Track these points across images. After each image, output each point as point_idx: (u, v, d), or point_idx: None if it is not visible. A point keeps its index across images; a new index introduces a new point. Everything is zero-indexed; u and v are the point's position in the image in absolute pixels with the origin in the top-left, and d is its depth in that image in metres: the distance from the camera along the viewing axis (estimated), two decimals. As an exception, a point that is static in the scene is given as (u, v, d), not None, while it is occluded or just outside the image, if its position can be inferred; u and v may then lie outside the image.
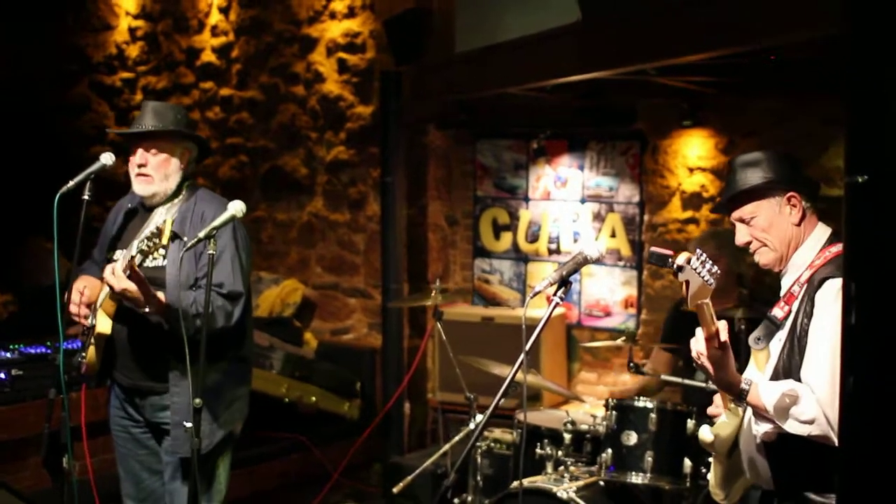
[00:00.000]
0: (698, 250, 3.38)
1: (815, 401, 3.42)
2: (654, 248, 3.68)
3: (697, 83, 6.95)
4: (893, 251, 2.55)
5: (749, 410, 3.69)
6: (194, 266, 4.66)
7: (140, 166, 4.80)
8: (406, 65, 8.24)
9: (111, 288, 4.40)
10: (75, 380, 4.97)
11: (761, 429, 3.61)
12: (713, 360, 3.51)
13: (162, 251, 4.48)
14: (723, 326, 3.46)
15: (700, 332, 3.51)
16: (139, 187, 4.83)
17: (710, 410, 3.95)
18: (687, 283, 3.34)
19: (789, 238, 3.79)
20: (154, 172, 4.80)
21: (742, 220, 3.87)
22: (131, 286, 4.31)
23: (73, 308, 4.73)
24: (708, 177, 7.55)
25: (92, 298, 4.74)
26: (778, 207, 3.79)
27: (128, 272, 4.29)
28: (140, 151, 4.82)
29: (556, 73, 6.70)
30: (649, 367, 6.56)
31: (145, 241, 4.25)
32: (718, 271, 3.35)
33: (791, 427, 3.46)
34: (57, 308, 4.66)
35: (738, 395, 3.58)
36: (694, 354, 3.58)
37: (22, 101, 10.40)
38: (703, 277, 3.29)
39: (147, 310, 4.45)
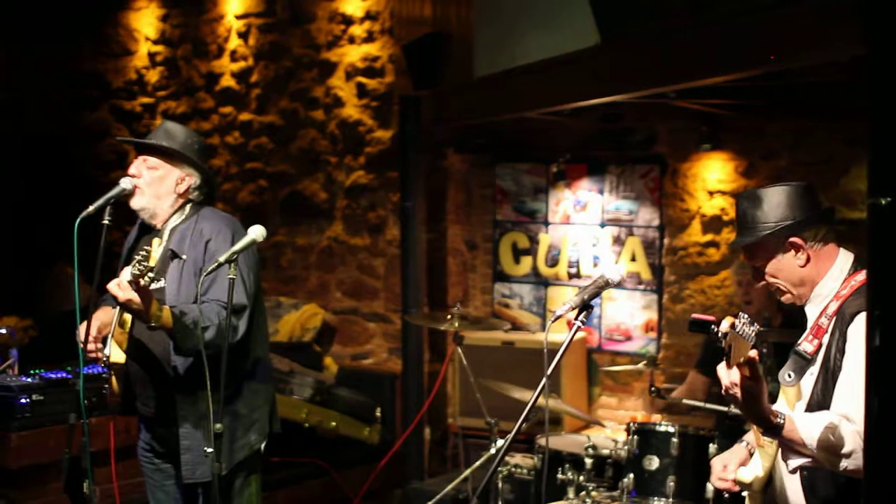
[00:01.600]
0: (741, 314, 3.29)
1: (853, 432, 3.31)
2: (694, 316, 3.55)
3: (717, 106, 6.94)
4: (918, 273, 2.53)
5: None
6: (193, 284, 4.61)
7: (133, 176, 4.75)
8: (425, 89, 8.26)
9: (116, 300, 4.35)
10: (96, 405, 4.95)
11: (792, 463, 3.49)
12: (745, 391, 3.33)
13: (151, 275, 4.39)
14: (755, 355, 3.28)
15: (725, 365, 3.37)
16: (131, 200, 4.80)
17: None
18: (730, 346, 3.25)
19: (800, 280, 3.72)
20: (145, 187, 4.74)
21: (753, 266, 3.84)
22: (135, 297, 4.24)
23: (90, 347, 4.68)
24: (728, 200, 7.53)
25: (105, 330, 4.70)
26: (780, 254, 3.72)
27: (133, 285, 4.24)
28: (136, 162, 4.80)
29: (575, 97, 6.70)
30: (684, 388, 6.54)
31: (135, 264, 4.21)
32: (758, 328, 3.28)
33: (837, 463, 3.35)
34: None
35: (773, 429, 3.40)
36: (726, 384, 3.39)
37: (42, 126, 10.45)
38: (746, 339, 3.21)
39: (154, 323, 4.40)
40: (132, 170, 4.78)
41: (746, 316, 3.25)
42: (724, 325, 3.25)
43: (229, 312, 4.30)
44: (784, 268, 3.73)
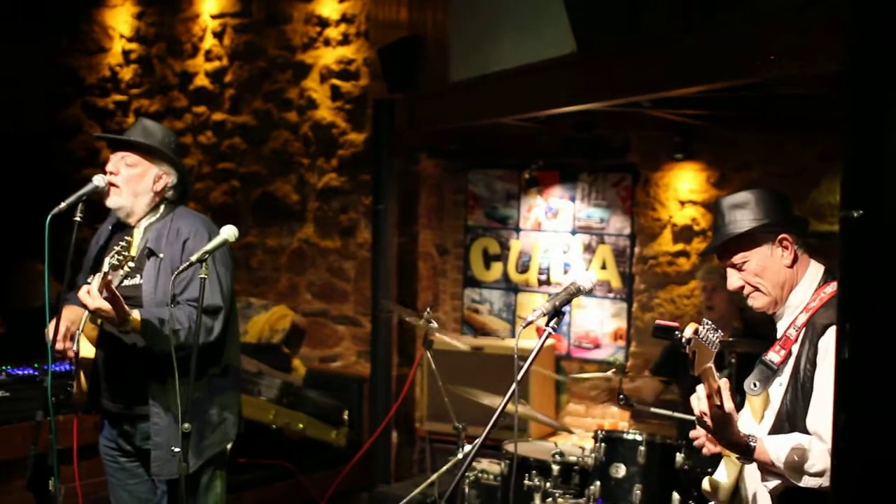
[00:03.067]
0: (704, 320, 3.30)
1: (825, 451, 3.31)
2: (658, 322, 3.55)
3: (690, 116, 6.96)
4: (888, 286, 2.54)
5: None
6: (170, 283, 4.59)
7: (110, 173, 4.74)
8: (399, 93, 8.25)
9: (87, 308, 4.34)
10: (63, 403, 4.91)
11: (770, 484, 3.51)
12: (716, 420, 3.37)
13: (131, 264, 4.36)
14: (724, 385, 3.32)
15: (702, 391, 3.39)
16: (107, 198, 4.78)
17: (693, 433, 3.83)
18: (694, 353, 3.26)
19: (783, 281, 3.71)
20: (123, 185, 4.72)
21: (733, 266, 3.78)
22: (105, 305, 4.23)
23: (58, 346, 4.64)
24: (699, 210, 7.56)
25: (73, 327, 4.67)
26: (770, 251, 3.70)
27: (103, 291, 4.23)
28: (114, 159, 4.77)
29: (549, 104, 6.71)
30: (633, 388, 6.57)
31: (115, 255, 4.19)
32: (722, 335, 3.29)
33: (804, 482, 3.37)
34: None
35: (745, 453, 3.45)
36: (697, 413, 3.44)
37: (14, 122, 10.38)
38: (710, 346, 3.22)
39: (125, 328, 4.38)
40: (110, 167, 4.76)
41: (710, 322, 3.26)
42: (688, 331, 3.25)
43: (199, 311, 4.28)
44: (771, 266, 3.71)
